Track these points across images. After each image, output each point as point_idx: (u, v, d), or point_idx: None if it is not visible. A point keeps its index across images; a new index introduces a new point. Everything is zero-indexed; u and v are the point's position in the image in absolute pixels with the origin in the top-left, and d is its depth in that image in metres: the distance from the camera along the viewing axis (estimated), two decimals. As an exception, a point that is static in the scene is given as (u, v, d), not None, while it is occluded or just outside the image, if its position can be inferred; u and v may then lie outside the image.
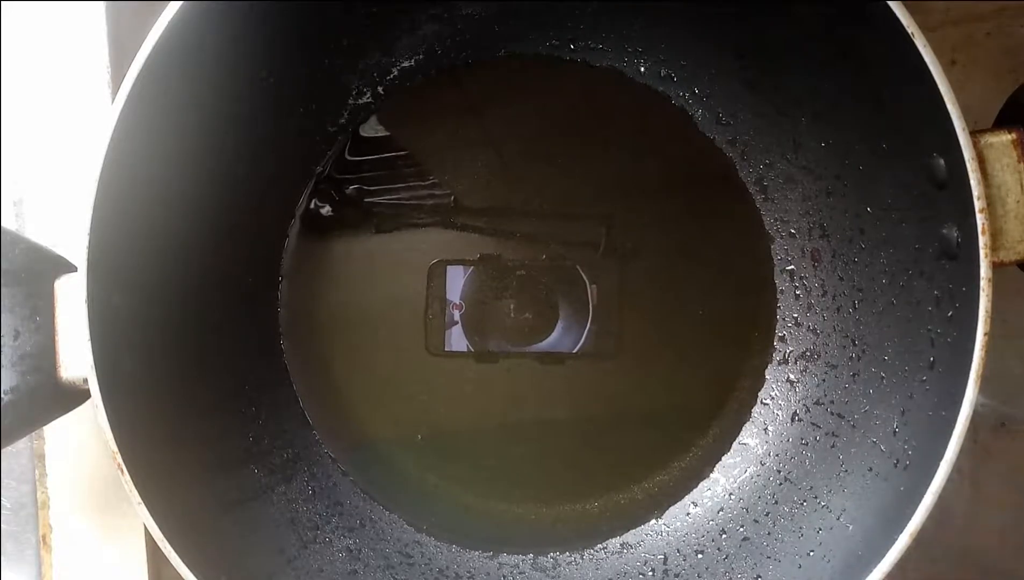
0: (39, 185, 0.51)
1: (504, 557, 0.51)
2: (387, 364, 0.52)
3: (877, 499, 0.42)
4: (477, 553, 0.51)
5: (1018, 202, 0.38)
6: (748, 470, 0.51)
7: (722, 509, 0.51)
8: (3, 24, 0.51)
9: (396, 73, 0.53)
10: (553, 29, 0.52)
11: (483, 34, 0.52)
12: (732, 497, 0.51)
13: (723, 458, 0.52)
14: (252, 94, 0.47)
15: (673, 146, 0.53)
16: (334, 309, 0.52)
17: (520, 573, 0.51)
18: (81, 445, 0.50)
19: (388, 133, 0.53)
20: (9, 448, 0.42)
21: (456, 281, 0.52)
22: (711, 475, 0.52)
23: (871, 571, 0.37)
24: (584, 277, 0.52)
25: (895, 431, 0.43)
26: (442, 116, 0.53)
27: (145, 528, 0.40)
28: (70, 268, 0.41)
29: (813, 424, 0.49)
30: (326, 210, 0.53)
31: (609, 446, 0.52)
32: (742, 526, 0.49)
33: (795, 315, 0.51)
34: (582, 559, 0.51)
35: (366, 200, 0.52)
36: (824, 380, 0.50)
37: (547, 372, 0.52)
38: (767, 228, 0.52)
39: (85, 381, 0.39)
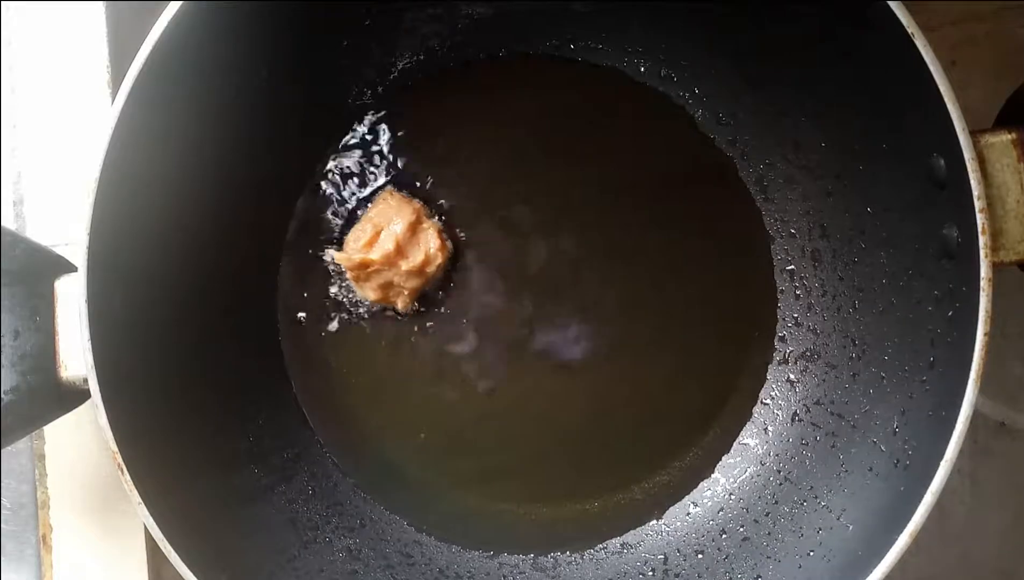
0: (39, 185, 0.51)
1: (504, 557, 0.51)
2: (387, 364, 0.52)
3: (877, 499, 0.42)
4: (477, 553, 0.51)
5: (1018, 202, 0.38)
6: (748, 470, 0.51)
7: (722, 509, 0.51)
8: (3, 24, 0.51)
9: (396, 73, 0.53)
10: (553, 29, 0.52)
11: (483, 34, 0.52)
12: (732, 497, 0.51)
13: (723, 458, 0.52)
14: (252, 94, 0.47)
15: (673, 146, 0.53)
16: (334, 308, 0.52)
17: (520, 573, 0.51)
18: (81, 445, 0.50)
19: (387, 133, 0.53)
20: (9, 448, 0.43)
21: (456, 280, 0.52)
22: (711, 475, 0.52)
23: (871, 571, 0.37)
24: (584, 277, 0.52)
25: (895, 431, 0.43)
26: (442, 116, 0.53)
27: (145, 528, 0.40)
28: (70, 268, 0.41)
29: (813, 424, 0.49)
30: (325, 210, 0.53)
31: (609, 446, 0.52)
32: (742, 526, 0.49)
33: (795, 315, 0.51)
34: (582, 559, 0.51)
35: (364, 199, 0.52)
36: (824, 380, 0.50)
37: (548, 372, 0.52)
38: (767, 228, 0.52)
39: (85, 381, 0.39)
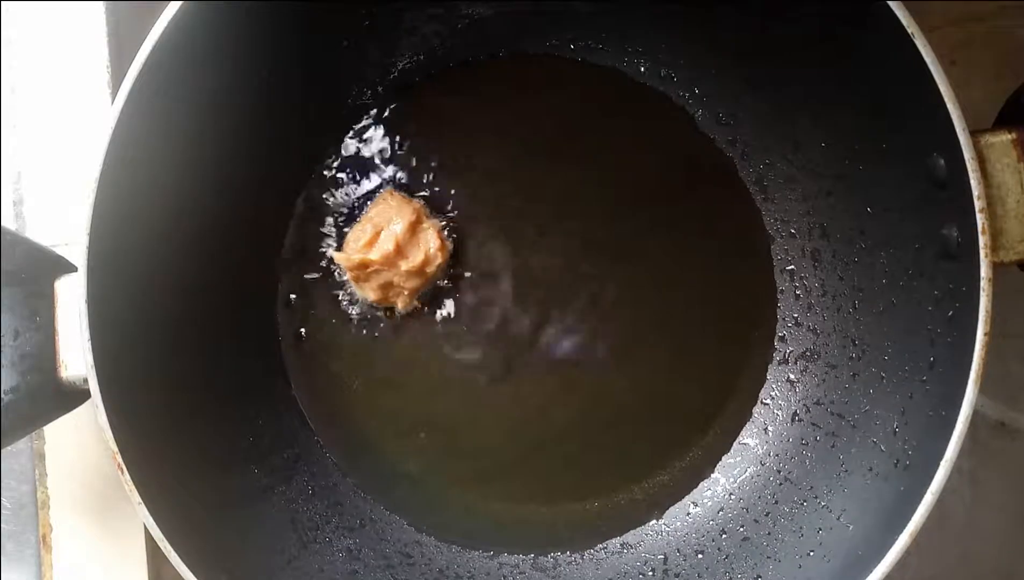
0: (39, 185, 0.51)
1: (504, 557, 0.51)
2: (387, 365, 0.52)
3: (877, 499, 0.42)
4: (477, 553, 0.51)
5: (1018, 202, 0.38)
6: (748, 470, 0.51)
7: (722, 509, 0.51)
8: (3, 24, 0.51)
9: (396, 73, 0.53)
10: (553, 29, 0.52)
11: (483, 34, 0.52)
12: (732, 497, 0.51)
13: (723, 458, 0.52)
14: (252, 94, 0.47)
15: (673, 146, 0.53)
16: (333, 308, 0.52)
17: (520, 573, 0.51)
18: (81, 445, 0.50)
19: (387, 133, 0.53)
20: (9, 448, 0.43)
21: (456, 281, 0.52)
22: (711, 475, 0.52)
23: (871, 571, 0.37)
24: (584, 276, 0.52)
25: (895, 431, 0.43)
26: (442, 116, 0.53)
27: (145, 528, 0.40)
28: (70, 268, 0.41)
29: (813, 424, 0.49)
30: (325, 210, 0.53)
31: (609, 446, 0.52)
32: (742, 526, 0.49)
33: (795, 315, 0.51)
34: (582, 559, 0.51)
35: (364, 199, 0.52)
36: (824, 380, 0.50)
37: (547, 372, 0.52)
38: (767, 228, 0.52)
39: (85, 381, 0.39)
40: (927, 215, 0.41)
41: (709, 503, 0.51)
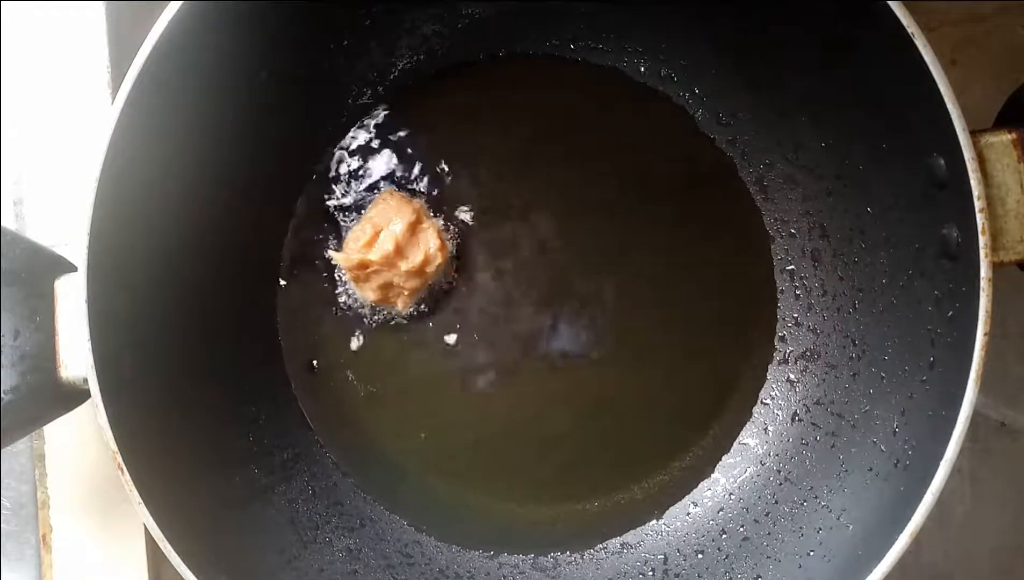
0: (39, 185, 0.51)
1: (504, 557, 0.51)
2: (387, 365, 0.52)
3: (877, 499, 0.42)
4: (477, 553, 0.51)
5: (1018, 202, 0.38)
6: (748, 470, 0.51)
7: (722, 509, 0.51)
8: (3, 24, 0.51)
9: (396, 73, 0.53)
10: (553, 29, 0.52)
11: (483, 34, 0.52)
12: (732, 497, 0.51)
13: (723, 458, 0.52)
14: (252, 94, 0.47)
15: (673, 146, 0.53)
16: (333, 309, 0.52)
17: (520, 573, 0.51)
18: (81, 445, 0.50)
19: (387, 133, 0.53)
20: (9, 448, 0.43)
21: (455, 281, 0.52)
22: (711, 475, 0.52)
23: (871, 571, 0.37)
24: (584, 277, 0.52)
25: (895, 431, 0.43)
26: (442, 116, 0.53)
27: (145, 528, 0.40)
28: (70, 268, 0.41)
29: (813, 424, 0.49)
30: (325, 210, 0.53)
31: (609, 446, 0.52)
32: (742, 526, 0.49)
33: (795, 315, 0.52)
34: (582, 559, 0.51)
35: (364, 199, 0.52)
36: (824, 380, 0.50)
37: (547, 372, 0.52)
38: (767, 228, 0.52)
39: (85, 381, 0.39)
40: (927, 215, 0.41)
41: (709, 503, 0.51)
